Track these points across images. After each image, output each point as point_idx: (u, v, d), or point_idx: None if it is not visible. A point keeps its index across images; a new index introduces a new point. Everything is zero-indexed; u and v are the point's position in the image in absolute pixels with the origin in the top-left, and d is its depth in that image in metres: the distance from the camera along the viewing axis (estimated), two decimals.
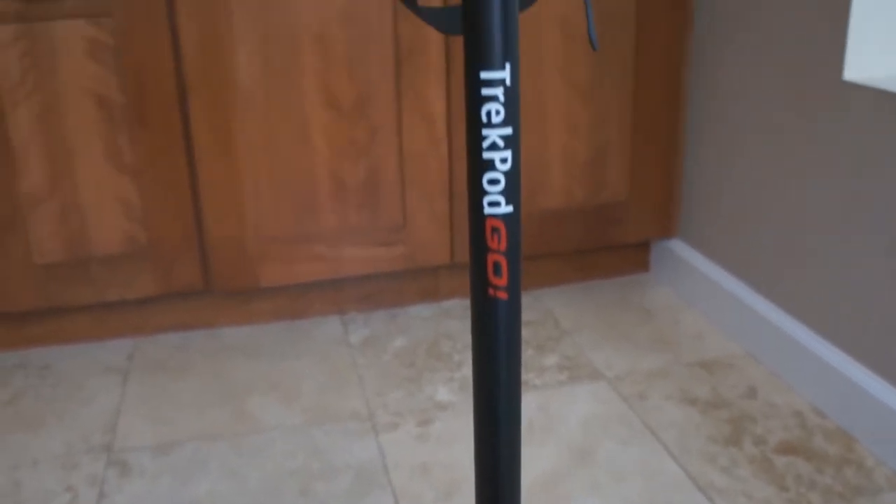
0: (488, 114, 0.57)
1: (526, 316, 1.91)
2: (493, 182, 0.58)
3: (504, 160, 0.58)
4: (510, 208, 0.59)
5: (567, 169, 1.89)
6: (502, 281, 0.60)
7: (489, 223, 0.59)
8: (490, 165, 0.58)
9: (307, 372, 1.71)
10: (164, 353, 1.80)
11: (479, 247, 0.60)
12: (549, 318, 1.90)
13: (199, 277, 1.78)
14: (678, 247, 1.98)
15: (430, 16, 0.66)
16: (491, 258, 0.60)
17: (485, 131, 0.57)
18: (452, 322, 1.89)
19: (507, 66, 0.56)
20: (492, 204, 0.59)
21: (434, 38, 1.72)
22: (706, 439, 1.44)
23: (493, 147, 0.58)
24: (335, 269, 1.83)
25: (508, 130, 0.57)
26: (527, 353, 1.74)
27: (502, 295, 0.61)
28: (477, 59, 0.56)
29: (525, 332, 1.83)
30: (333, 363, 1.74)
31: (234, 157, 1.71)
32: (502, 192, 0.59)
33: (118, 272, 1.74)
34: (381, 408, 1.57)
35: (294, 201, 1.77)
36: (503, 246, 0.60)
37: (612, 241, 1.98)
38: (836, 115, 1.42)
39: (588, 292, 2.03)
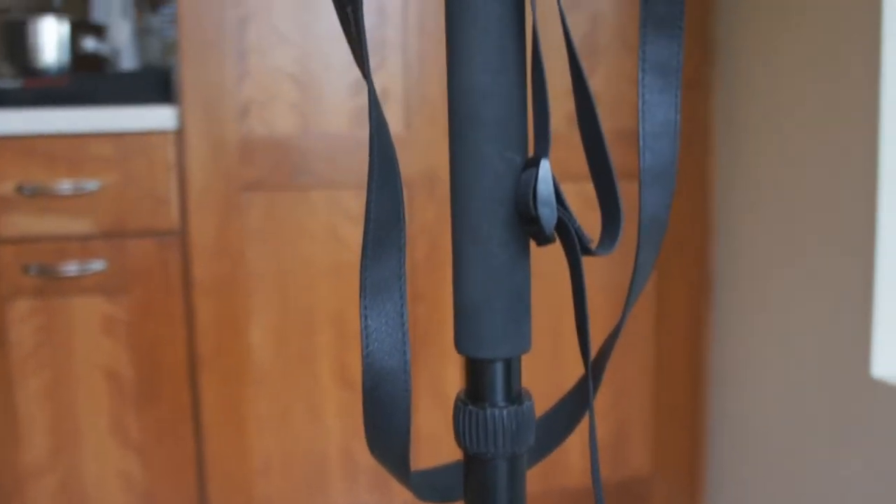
0: None
1: None
2: None
3: None
4: None
5: (586, 445, 1.78)
6: None
7: None
8: None
9: None
10: None
11: None
12: None
13: None
14: None
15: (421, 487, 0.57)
16: None
17: None
18: None
19: None
20: None
21: (448, 323, 1.67)
22: None
23: None
24: None
25: None
26: None
27: None
28: None
29: None
30: None
31: (243, 434, 1.66)
32: None
33: None
34: None
35: (304, 479, 1.70)
36: None
37: None
38: (865, 412, 1.32)
39: None
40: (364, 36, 0.45)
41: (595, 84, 1.68)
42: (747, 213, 1.66)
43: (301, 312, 1.63)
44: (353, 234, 1.63)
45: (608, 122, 1.69)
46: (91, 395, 1.61)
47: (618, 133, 1.70)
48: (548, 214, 0.44)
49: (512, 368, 0.49)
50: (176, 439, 1.65)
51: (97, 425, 1.63)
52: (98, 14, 1.91)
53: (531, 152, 0.47)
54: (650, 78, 0.52)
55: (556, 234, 0.46)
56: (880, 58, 1.29)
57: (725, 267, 1.75)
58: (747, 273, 1.67)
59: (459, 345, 0.49)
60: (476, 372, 0.49)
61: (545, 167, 0.44)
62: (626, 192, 1.71)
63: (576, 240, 0.46)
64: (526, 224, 0.46)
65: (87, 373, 1.60)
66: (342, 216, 1.62)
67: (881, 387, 1.31)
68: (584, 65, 1.65)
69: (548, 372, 1.74)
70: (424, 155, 1.62)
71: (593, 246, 0.46)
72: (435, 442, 1.72)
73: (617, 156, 1.70)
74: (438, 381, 1.69)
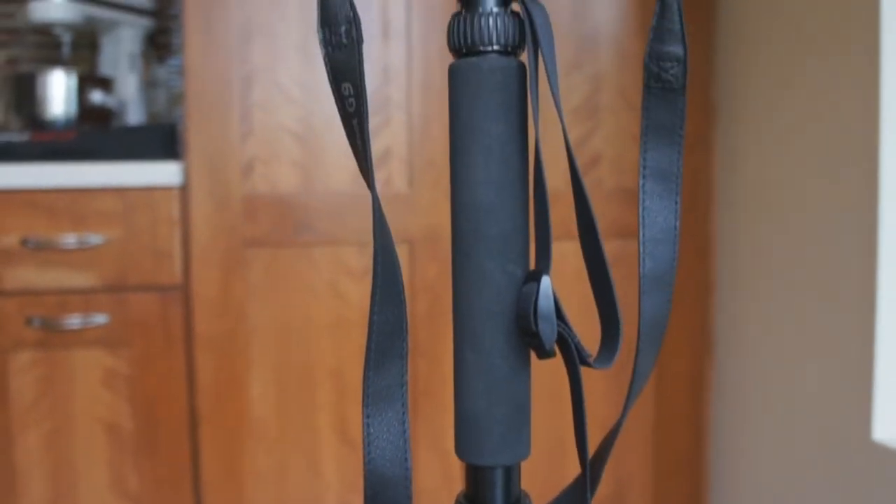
0: None
1: None
2: None
3: None
4: None
5: None
6: None
7: None
8: None
9: None
10: None
11: None
12: None
13: None
14: None
15: None
16: None
17: None
18: None
19: None
20: None
21: (448, 377, 1.67)
22: None
23: None
24: None
25: None
26: None
27: None
28: None
29: None
30: None
31: (242, 488, 1.65)
32: None
33: None
34: None
35: None
36: None
37: None
38: (866, 476, 1.31)
39: None
40: (369, 149, 0.46)
41: (597, 143, 1.70)
42: (748, 273, 1.67)
43: (301, 368, 1.63)
44: (355, 291, 1.64)
45: (610, 181, 1.71)
46: (90, 448, 1.61)
47: (620, 191, 1.71)
48: (548, 330, 0.45)
49: (511, 475, 0.50)
50: (175, 493, 1.65)
51: (96, 478, 1.62)
52: (105, 67, 1.93)
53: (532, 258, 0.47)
54: (650, 184, 0.53)
55: (556, 348, 0.46)
56: (878, 116, 1.30)
57: (726, 326, 1.76)
58: (748, 333, 1.68)
59: (460, 451, 0.49)
60: (476, 477, 0.50)
61: (546, 283, 0.45)
62: (627, 251, 1.72)
63: (575, 354, 0.46)
64: (526, 336, 0.46)
65: (86, 425, 1.60)
66: (343, 272, 1.63)
67: (882, 451, 1.31)
68: (588, 127, 1.67)
69: (548, 471, 1.74)
70: (427, 213, 1.64)
71: (592, 360, 0.47)
72: (433, 496, 1.72)
73: (619, 213, 1.71)
74: (438, 435, 1.69)
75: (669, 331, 1.76)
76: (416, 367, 1.67)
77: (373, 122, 1.62)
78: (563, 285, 1.47)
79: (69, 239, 1.55)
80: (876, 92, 1.30)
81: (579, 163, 1.70)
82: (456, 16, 0.47)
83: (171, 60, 2.10)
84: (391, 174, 1.63)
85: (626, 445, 1.77)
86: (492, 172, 0.46)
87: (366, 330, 1.63)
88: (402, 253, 1.64)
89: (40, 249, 1.55)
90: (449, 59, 1.65)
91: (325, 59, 0.47)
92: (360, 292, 1.63)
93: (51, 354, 1.58)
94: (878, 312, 1.32)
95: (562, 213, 1.61)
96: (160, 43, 2.10)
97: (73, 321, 1.56)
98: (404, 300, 0.47)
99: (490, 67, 0.46)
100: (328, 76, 0.47)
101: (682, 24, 0.50)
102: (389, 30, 1.62)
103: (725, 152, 1.73)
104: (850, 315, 1.38)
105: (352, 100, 0.46)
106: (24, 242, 1.54)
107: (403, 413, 0.48)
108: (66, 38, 1.87)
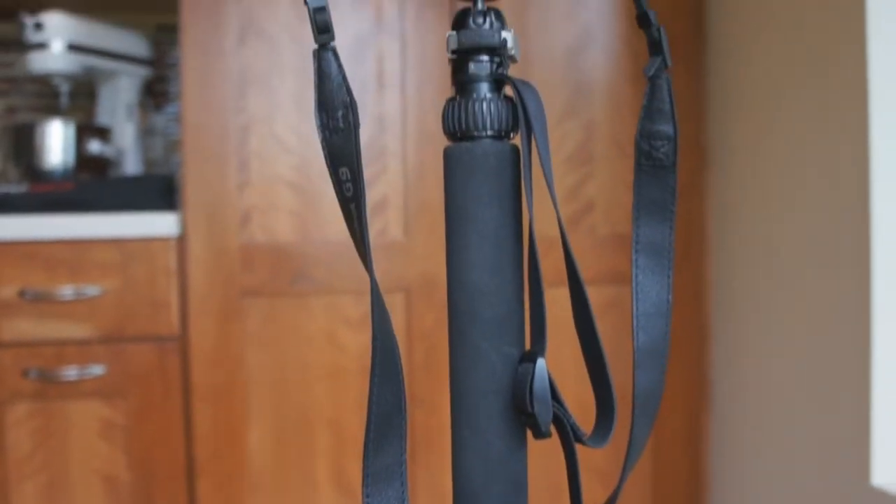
0: None
1: None
2: None
3: None
4: None
5: None
6: None
7: None
8: None
9: None
10: None
11: None
12: None
13: None
14: None
15: None
16: None
17: None
18: None
19: None
20: None
21: (446, 427, 1.67)
22: None
23: None
24: None
25: None
26: None
27: None
28: None
29: None
30: None
31: None
32: None
33: None
34: None
35: None
36: None
37: None
38: None
39: None
40: (367, 233, 0.47)
41: (591, 190, 1.71)
42: (743, 319, 1.68)
43: (299, 417, 1.63)
44: (352, 340, 1.64)
45: (604, 228, 1.72)
46: (87, 500, 1.60)
47: (614, 237, 1.72)
48: (544, 412, 0.46)
49: None
50: None
51: None
52: (103, 115, 1.95)
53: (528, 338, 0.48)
54: (643, 259, 0.54)
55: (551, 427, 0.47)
56: (868, 162, 1.31)
57: (722, 373, 1.76)
58: (745, 380, 1.68)
59: None
60: None
61: (541, 366, 0.46)
62: (621, 297, 1.73)
63: (571, 434, 0.47)
64: (522, 416, 0.47)
65: (83, 477, 1.60)
66: (341, 321, 1.63)
67: (881, 496, 1.30)
68: (582, 174, 1.69)
69: None
70: (423, 261, 1.65)
71: (587, 438, 0.48)
72: None
73: (612, 259, 1.72)
74: (437, 482, 1.69)
75: (666, 383, 1.76)
76: (413, 417, 1.67)
77: (369, 171, 1.63)
78: (555, 333, 1.48)
79: (67, 290, 1.55)
80: (864, 138, 1.32)
81: (574, 209, 1.71)
82: (451, 101, 0.48)
83: (168, 108, 2.12)
84: (387, 223, 1.64)
85: (623, 496, 1.77)
86: (486, 256, 0.47)
87: (363, 378, 1.63)
88: (398, 301, 1.65)
89: (38, 301, 1.55)
90: (442, 106, 1.67)
91: (322, 142, 0.48)
92: (357, 341, 1.64)
93: (47, 406, 1.57)
94: (874, 358, 1.33)
95: (555, 260, 1.62)
96: (157, 90, 2.12)
97: (70, 372, 1.56)
98: (402, 378, 0.48)
99: (484, 152, 0.47)
100: (325, 160, 0.48)
101: (672, 105, 0.52)
102: (384, 79, 1.64)
103: (718, 198, 1.74)
104: (847, 361, 1.38)
105: (349, 184, 0.47)
106: (21, 294, 1.55)
107: (403, 491, 0.48)
108: (65, 87, 1.89)
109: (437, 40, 1.65)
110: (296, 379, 1.63)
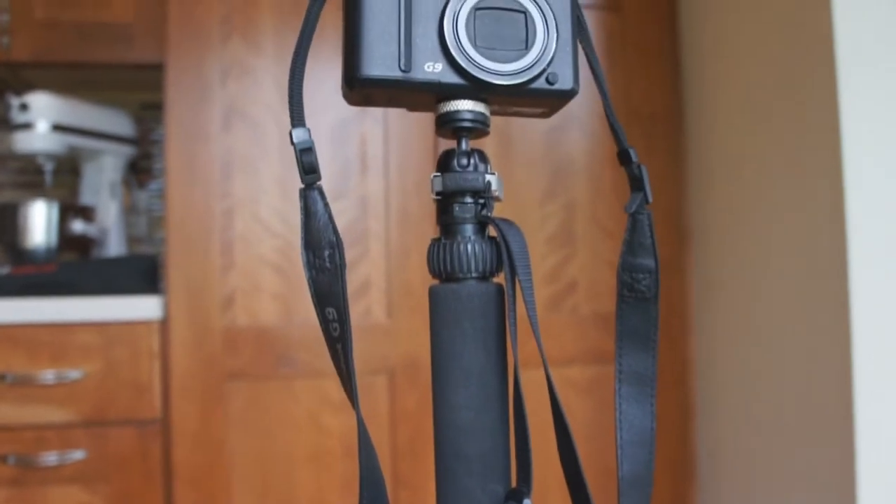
0: None
1: None
2: None
3: None
4: None
5: None
6: None
7: None
8: None
9: None
10: None
11: None
12: None
13: None
14: None
15: None
16: None
17: None
18: None
19: None
20: None
21: None
22: None
23: None
24: None
25: None
26: None
27: None
28: None
29: None
30: None
31: None
32: None
33: None
34: None
35: None
36: None
37: None
38: None
39: None
40: (353, 373, 0.48)
41: (573, 270, 1.73)
42: (727, 398, 1.68)
43: (282, 500, 1.62)
44: (335, 423, 1.63)
45: (586, 306, 1.73)
46: None
47: (596, 316, 1.73)
48: None
49: None
50: None
51: None
52: (87, 194, 1.96)
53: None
54: (626, 388, 0.55)
55: None
56: (845, 239, 1.33)
57: (707, 455, 1.76)
58: (729, 462, 1.68)
59: None
60: None
61: None
62: (604, 375, 1.73)
63: None
64: None
65: None
66: (325, 404, 1.63)
67: None
68: (563, 254, 1.70)
69: None
70: (406, 343, 1.65)
71: None
72: None
73: (595, 339, 1.73)
74: None
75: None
76: (398, 499, 1.65)
77: (352, 253, 1.64)
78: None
79: (48, 374, 1.54)
80: (841, 215, 1.34)
81: (556, 289, 1.72)
82: (435, 242, 0.49)
83: (152, 185, 2.13)
84: (370, 305, 1.65)
85: None
86: (471, 396, 0.47)
87: (348, 460, 1.62)
88: (381, 383, 1.65)
89: (18, 385, 1.54)
90: (425, 190, 1.66)
91: (308, 281, 0.48)
92: (340, 424, 1.63)
93: (26, 491, 1.55)
94: (858, 441, 1.34)
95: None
96: (141, 167, 2.13)
97: (50, 458, 1.55)
98: None
99: (469, 294, 0.48)
100: (312, 298, 0.48)
101: (653, 239, 0.53)
102: (367, 162, 1.65)
103: (700, 277, 1.76)
104: (831, 443, 1.39)
105: (336, 324, 0.48)
106: (2, 378, 1.53)
107: None
108: (49, 166, 1.90)
109: (419, 125, 1.67)
110: (279, 462, 1.61)
